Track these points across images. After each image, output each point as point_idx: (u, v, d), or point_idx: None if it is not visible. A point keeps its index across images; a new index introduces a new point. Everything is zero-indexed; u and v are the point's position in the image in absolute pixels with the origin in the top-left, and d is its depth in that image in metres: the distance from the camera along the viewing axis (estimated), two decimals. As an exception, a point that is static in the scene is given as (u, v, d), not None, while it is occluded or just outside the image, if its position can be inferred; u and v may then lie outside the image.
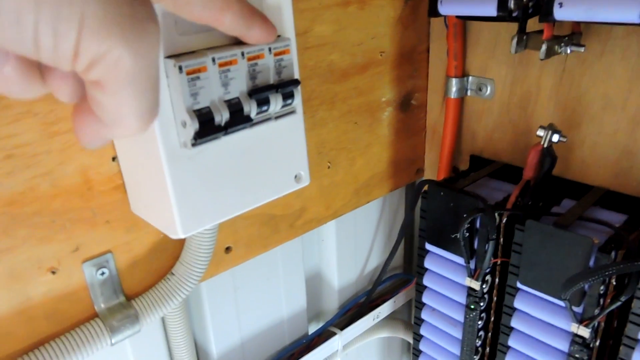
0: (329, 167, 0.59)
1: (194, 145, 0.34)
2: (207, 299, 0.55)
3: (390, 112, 0.64)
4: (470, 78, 0.63)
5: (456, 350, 0.61)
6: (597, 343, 0.48)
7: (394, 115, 0.65)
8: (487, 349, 0.59)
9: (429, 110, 0.69)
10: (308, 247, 0.69)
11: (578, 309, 0.47)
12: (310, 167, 0.43)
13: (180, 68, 0.31)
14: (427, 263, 0.61)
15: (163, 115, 0.33)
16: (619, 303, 0.44)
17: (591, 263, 0.45)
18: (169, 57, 0.32)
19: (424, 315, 0.64)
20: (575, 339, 0.48)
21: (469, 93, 0.63)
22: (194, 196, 0.35)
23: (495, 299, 0.56)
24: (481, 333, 0.58)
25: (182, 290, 0.45)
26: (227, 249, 0.51)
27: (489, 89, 0.61)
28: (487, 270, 0.54)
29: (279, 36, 0.37)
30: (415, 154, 0.70)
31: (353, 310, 0.74)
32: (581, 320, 0.47)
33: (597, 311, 0.46)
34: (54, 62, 0.18)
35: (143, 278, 0.45)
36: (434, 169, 0.71)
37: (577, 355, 0.48)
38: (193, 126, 0.33)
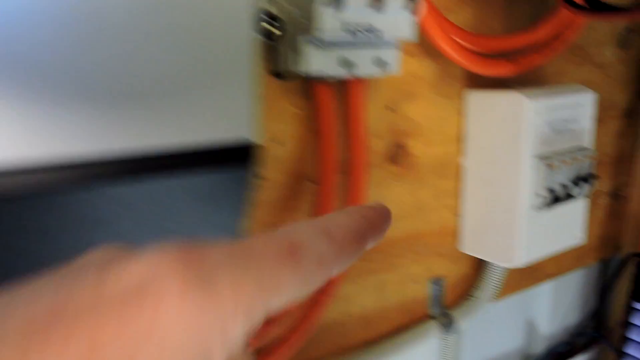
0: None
1: (540, 209, 0.54)
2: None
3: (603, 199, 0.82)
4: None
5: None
6: None
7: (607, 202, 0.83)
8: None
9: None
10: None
11: None
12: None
13: (548, 165, 0.53)
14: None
15: (525, 190, 0.54)
16: None
17: None
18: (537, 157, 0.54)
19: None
20: None
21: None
22: (531, 240, 0.56)
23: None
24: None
25: (477, 309, 0.65)
26: (497, 286, 0.70)
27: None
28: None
29: (586, 148, 0.58)
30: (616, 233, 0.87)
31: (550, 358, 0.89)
32: None
33: None
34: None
35: (455, 296, 0.65)
36: (631, 245, 0.86)
37: None
38: (547, 199, 0.54)
